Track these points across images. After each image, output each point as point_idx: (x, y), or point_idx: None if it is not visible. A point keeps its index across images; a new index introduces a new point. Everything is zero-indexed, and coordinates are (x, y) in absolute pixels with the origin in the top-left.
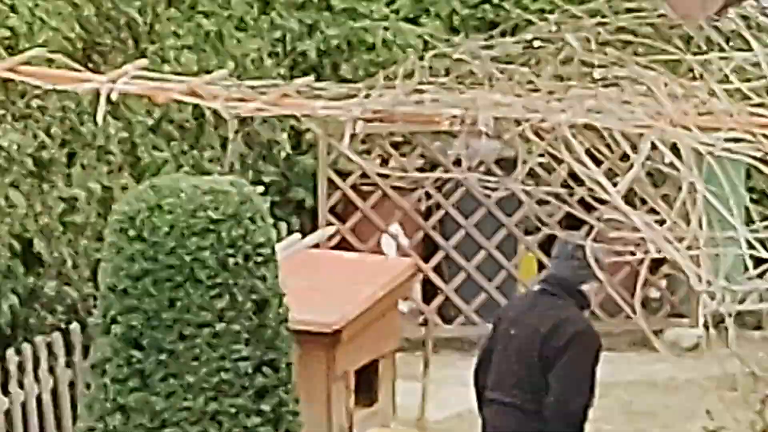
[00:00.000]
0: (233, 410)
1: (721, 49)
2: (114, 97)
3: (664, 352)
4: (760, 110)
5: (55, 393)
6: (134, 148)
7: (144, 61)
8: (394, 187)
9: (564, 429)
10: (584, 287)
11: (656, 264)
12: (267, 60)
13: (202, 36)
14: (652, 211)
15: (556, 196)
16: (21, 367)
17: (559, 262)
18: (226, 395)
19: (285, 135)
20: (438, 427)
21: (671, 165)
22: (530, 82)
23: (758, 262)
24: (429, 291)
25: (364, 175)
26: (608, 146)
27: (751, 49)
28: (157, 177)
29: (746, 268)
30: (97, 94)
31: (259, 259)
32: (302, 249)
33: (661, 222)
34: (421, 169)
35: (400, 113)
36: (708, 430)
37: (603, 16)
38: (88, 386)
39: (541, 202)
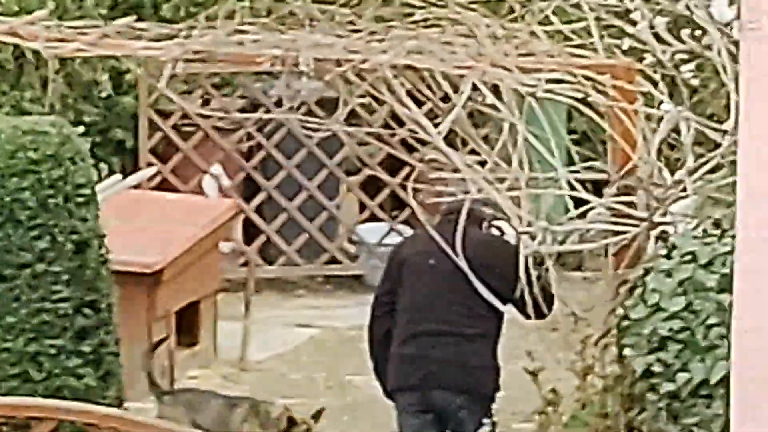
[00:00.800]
0: (54, 351)
1: None
2: None
3: (487, 296)
4: (581, 51)
5: None
6: None
7: None
8: (215, 128)
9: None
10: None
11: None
12: (87, 0)
13: None
14: (474, 152)
15: (378, 137)
16: None
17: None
18: (46, 336)
19: (106, 75)
20: (259, 368)
21: (492, 106)
22: (351, 22)
23: (578, 203)
24: (251, 232)
25: (185, 116)
26: (429, 87)
27: None
28: None
29: (567, 210)
30: None
31: (80, 200)
32: (123, 190)
33: (483, 163)
34: (242, 110)
35: (222, 54)
36: (528, 371)
37: None
38: None
39: (362, 143)
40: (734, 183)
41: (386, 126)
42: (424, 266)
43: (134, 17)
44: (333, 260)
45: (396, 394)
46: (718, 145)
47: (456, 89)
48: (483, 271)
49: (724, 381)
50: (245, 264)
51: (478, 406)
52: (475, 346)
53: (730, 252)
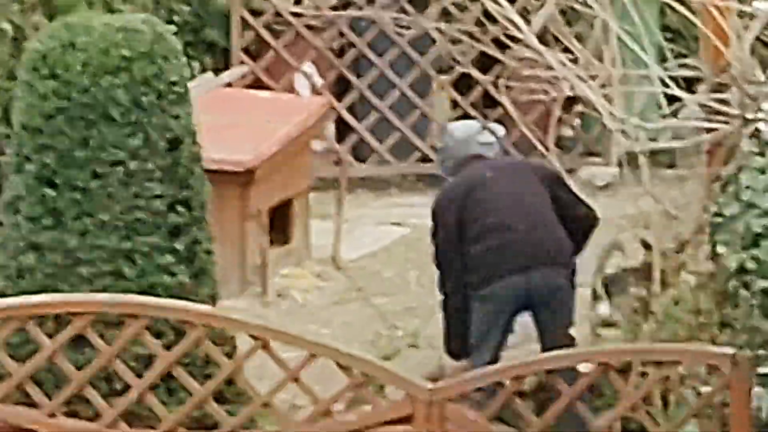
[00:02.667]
0: (146, 249)
1: None
2: None
3: (578, 190)
4: None
5: None
6: None
7: None
8: (307, 26)
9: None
10: None
11: (570, 103)
12: None
13: None
14: (566, 50)
15: (470, 34)
16: None
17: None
18: (139, 233)
19: None
20: (351, 266)
21: (585, 3)
22: None
23: (671, 100)
24: (343, 130)
25: (277, 14)
26: None
27: None
28: (70, 15)
29: (659, 107)
30: None
31: (173, 97)
32: (216, 88)
33: (575, 60)
34: (334, 8)
35: None
36: (624, 268)
37: None
38: (0, 224)
39: (454, 41)
40: None
41: (479, 23)
42: (483, 180)
43: None
44: (425, 158)
45: (489, 286)
46: None
47: None
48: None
49: None
50: (337, 162)
51: (569, 285)
52: (558, 229)
53: None
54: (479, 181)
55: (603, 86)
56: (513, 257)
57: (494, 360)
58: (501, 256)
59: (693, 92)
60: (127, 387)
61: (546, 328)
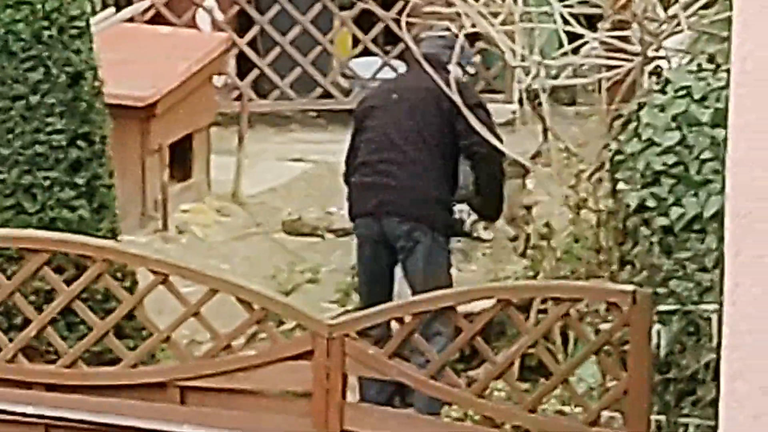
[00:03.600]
0: (47, 183)
1: None
2: None
3: (478, 126)
4: None
5: None
6: None
7: None
8: None
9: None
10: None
11: (471, 39)
12: None
13: None
14: None
15: None
16: None
17: (429, 41)
18: (40, 168)
19: None
20: (252, 201)
21: None
22: None
23: (572, 37)
24: (244, 65)
25: None
26: None
27: None
28: None
29: (561, 44)
30: None
31: (74, 31)
32: (117, 23)
33: None
34: None
35: None
36: (522, 205)
37: None
38: None
39: None
40: (728, 18)
41: None
42: (386, 102)
43: None
44: (326, 95)
45: (354, 223)
46: None
47: None
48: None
49: (717, 216)
50: (238, 98)
51: (430, 237)
52: (430, 176)
53: (725, 87)
54: (378, 104)
55: (504, 23)
56: (371, 199)
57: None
58: (363, 194)
59: (594, 30)
60: (27, 322)
61: (411, 280)
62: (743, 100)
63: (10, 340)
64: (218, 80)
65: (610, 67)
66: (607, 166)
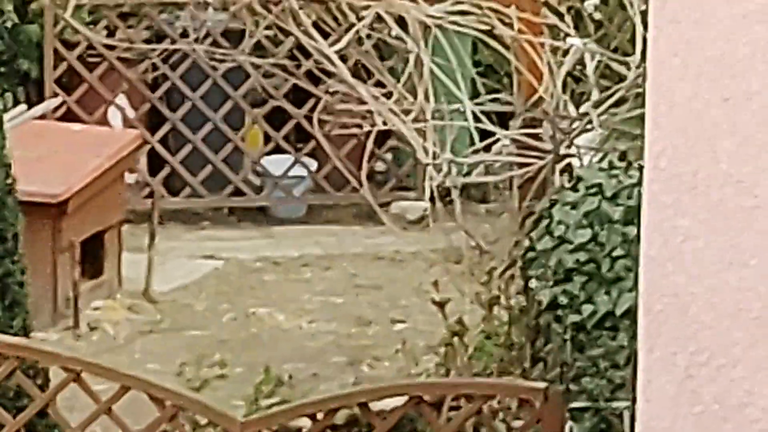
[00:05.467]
0: None
1: None
2: None
3: (390, 224)
4: None
5: None
6: None
7: None
8: (120, 59)
9: None
10: None
11: (383, 137)
12: None
13: None
14: (380, 84)
15: (283, 68)
16: None
17: None
18: None
19: (11, 5)
20: (163, 299)
21: (398, 38)
22: None
23: (483, 134)
24: (155, 163)
25: (90, 47)
26: (335, 19)
27: None
28: None
29: (472, 141)
30: None
31: None
32: (28, 120)
33: (388, 95)
34: (147, 41)
35: None
36: (435, 302)
37: None
38: None
39: (267, 75)
40: (639, 116)
41: (292, 57)
42: None
43: None
44: (238, 192)
45: None
46: (623, 79)
47: (361, 20)
48: None
49: (629, 313)
50: (150, 195)
51: None
52: None
53: (636, 184)
54: None
55: (416, 120)
56: None
57: None
58: None
59: (506, 127)
60: None
61: None
62: (658, 197)
63: None
64: (130, 177)
65: (521, 165)
66: (519, 263)
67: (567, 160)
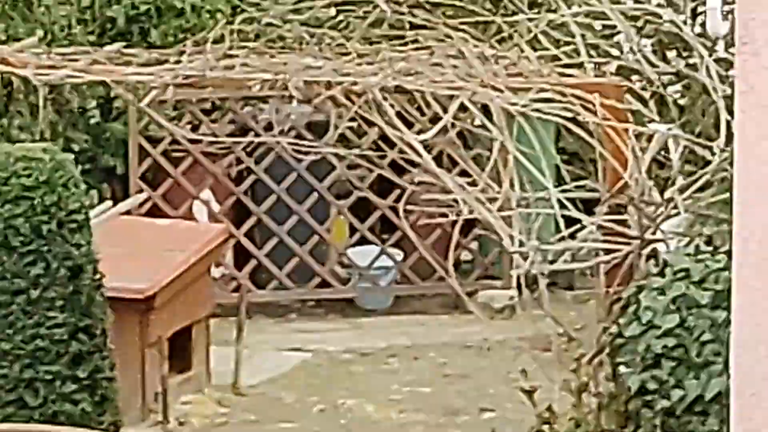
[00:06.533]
0: (49, 377)
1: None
2: None
3: (477, 313)
4: (570, 71)
5: None
6: None
7: None
8: (204, 153)
9: None
10: None
11: (468, 226)
12: (76, 27)
13: (10, 3)
14: (464, 173)
15: (368, 159)
16: None
17: None
18: (41, 362)
19: (94, 102)
20: (252, 392)
21: (482, 126)
22: (340, 45)
23: (569, 222)
24: (241, 256)
25: (174, 142)
26: (419, 109)
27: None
28: None
29: (558, 229)
30: None
31: (73, 225)
32: (114, 216)
33: (473, 183)
34: (231, 135)
35: (211, 78)
36: (524, 390)
37: None
38: None
39: (352, 166)
40: (725, 200)
41: (376, 148)
42: None
43: (123, 44)
44: (324, 284)
45: None
46: (707, 163)
47: (446, 110)
48: None
49: (719, 397)
50: (236, 289)
51: None
52: None
53: (723, 268)
54: None
55: (501, 209)
56: None
57: None
58: None
59: (591, 214)
60: None
61: None
62: (747, 281)
63: None
64: (216, 271)
65: (607, 251)
66: (607, 349)
67: (653, 246)
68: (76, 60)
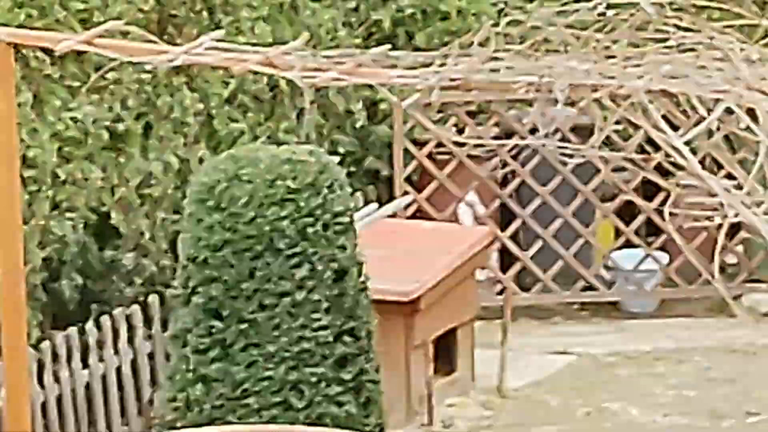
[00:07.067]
0: (314, 379)
1: None
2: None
3: (743, 317)
4: None
5: (134, 365)
6: (210, 120)
7: (219, 32)
8: (470, 156)
9: None
10: None
11: (733, 229)
12: (341, 30)
13: (277, 6)
14: (730, 176)
15: (633, 162)
16: (100, 341)
17: None
18: (306, 364)
19: (360, 105)
20: (517, 395)
21: (748, 129)
22: (606, 48)
23: None
24: (506, 259)
25: (439, 144)
26: (684, 112)
27: None
28: (234, 148)
29: None
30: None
31: (338, 227)
32: (379, 219)
33: (739, 187)
34: (496, 137)
35: (476, 81)
36: None
37: None
38: (167, 357)
39: (617, 169)
40: None
41: (641, 151)
42: None
43: (388, 46)
44: (589, 287)
45: None
46: None
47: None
48: None
49: None
50: (501, 291)
51: None
52: None
53: None
54: None
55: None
56: None
57: None
58: None
59: None
60: None
61: None
62: None
63: None
64: (481, 274)
65: None
66: None
67: None
68: (341, 63)
